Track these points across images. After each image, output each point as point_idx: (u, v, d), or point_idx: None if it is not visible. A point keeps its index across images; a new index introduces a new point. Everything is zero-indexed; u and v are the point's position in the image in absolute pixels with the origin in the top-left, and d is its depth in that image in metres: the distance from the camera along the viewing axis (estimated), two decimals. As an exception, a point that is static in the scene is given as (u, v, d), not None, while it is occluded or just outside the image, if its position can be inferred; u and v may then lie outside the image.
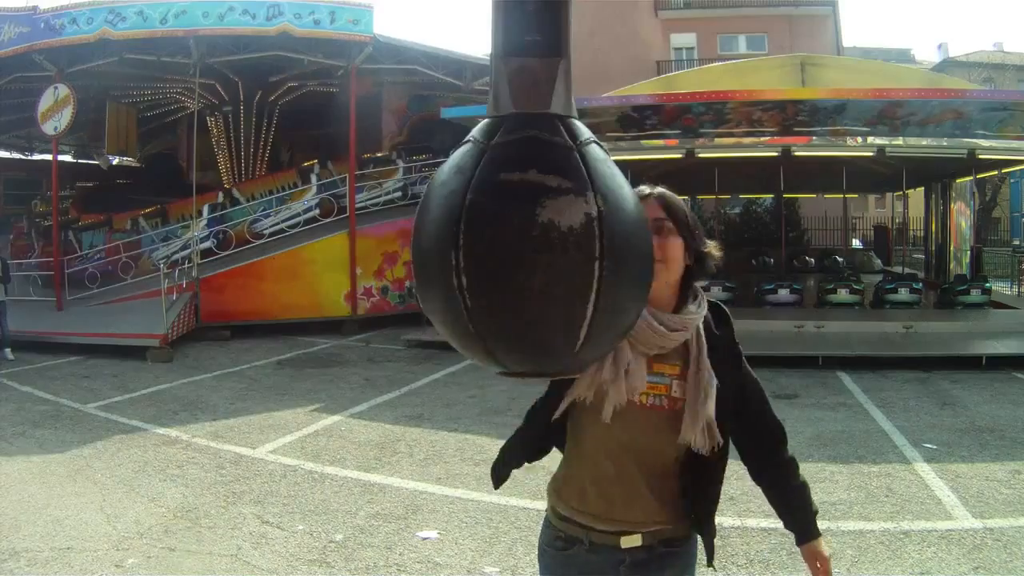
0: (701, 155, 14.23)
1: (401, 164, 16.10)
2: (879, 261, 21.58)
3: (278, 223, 14.45)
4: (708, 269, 1.84)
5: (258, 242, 13.99)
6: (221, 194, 15.73)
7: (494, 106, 1.13)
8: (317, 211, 14.67)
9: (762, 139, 13.00)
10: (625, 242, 1.07)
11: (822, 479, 5.37)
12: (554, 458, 1.95)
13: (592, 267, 1.03)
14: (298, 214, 14.62)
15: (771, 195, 24.49)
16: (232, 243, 14.05)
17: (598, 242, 1.03)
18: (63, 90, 13.56)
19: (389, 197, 15.39)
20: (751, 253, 21.50)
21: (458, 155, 1.12)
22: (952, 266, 17.31)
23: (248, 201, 15.44)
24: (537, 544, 1.95)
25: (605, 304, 1.06)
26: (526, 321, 1.05)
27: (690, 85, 14.06)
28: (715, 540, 1.92)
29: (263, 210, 14.88)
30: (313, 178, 15.37)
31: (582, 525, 1.81)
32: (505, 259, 1.02)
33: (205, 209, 14.60)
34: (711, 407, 1.74)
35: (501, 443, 1.98)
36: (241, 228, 14.43)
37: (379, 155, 16.97)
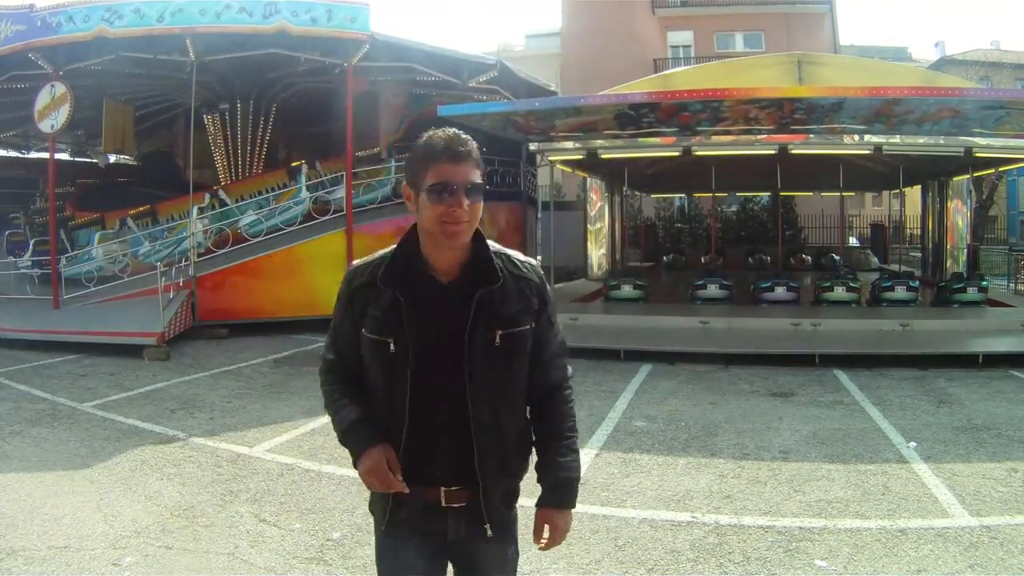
0: (698, 153, 14.24)
1: (393, 163, 16.10)
2: (876, 259, 21.68)
3: (265, 225, 14.40)
4: None
5: (255, 240, 13.98)
6: (208, 195, 15.69)
7: None
8: (301, 214, 14.64)
9: (759, 137, 13.00)
10: None
11: (819, 477, 5.38)
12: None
13: None
14: (295, 215, 14.59)
15: (768, 193, 24.56)
16: (229, 241, 14.04)
17: None
18: (60, 88, 13.51)
19: (376, 195, 15.37)
20: (748, 251, 21.60)
21: None
22: (949, 264, 17.35)
23: (237, 202, 15.40)
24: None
25: None
26: None
27: (687, 83, 14.07)
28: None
29: (251, 212, 14.84)
30: (301, 178, 15.33)
31: None
32: None
33: (194, 212, 14.56)
34: None
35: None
36: (234, 228, 14.41)
37: (365, 153, 16.97)
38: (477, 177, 1.89)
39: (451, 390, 1.90)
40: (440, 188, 1.84)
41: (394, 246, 1.99)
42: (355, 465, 1.97)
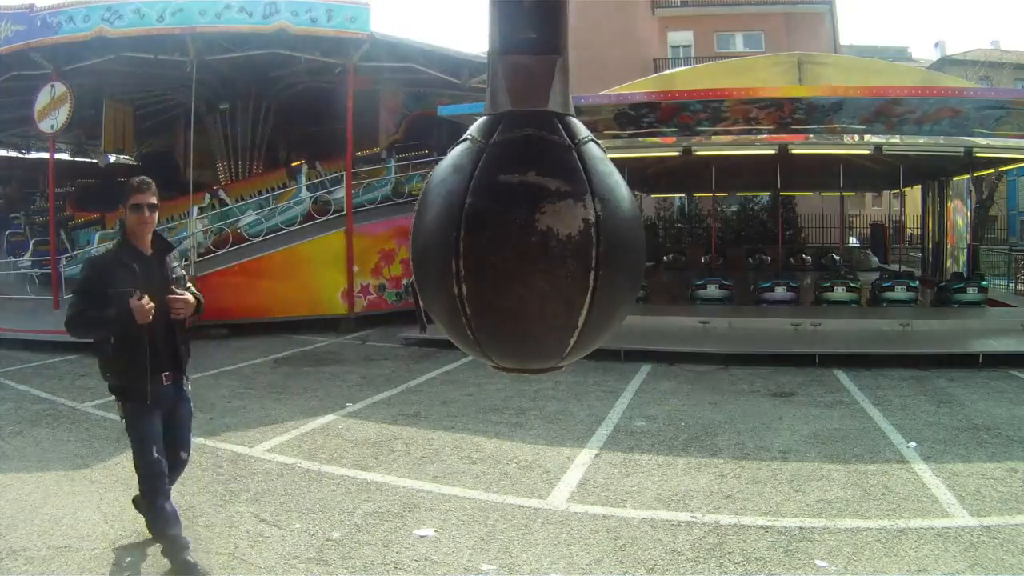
0: (698, 153, 14.23)
1: (393, 163, 16.09)
2: (876, 259, 21.64)
3: (265, 225, 14.41)
4: None
5: (255, 240, 13.98)
6: (208, 195, 15.67)
7: (491, 104, 1.12)
8: (301, 214, 14.66)
9: (759, 137, 13.00)
10: (620, 248, 1.07)
11: (819, 477, 5.38)
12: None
13: (588, 278, 1.03)
14: (295, 215, 14.60)
15: (768, 193, 24.52)
16: (229, 241, 14.04)
17: (594, 250, 1.03)
18: (60, 88, 13.52)
19: (376, 195, 15.37)
20: (748, 251, 21.57)
21: (456, 153, 1.10)
22: (949, 264, 17.34)
23: (237, 202, 15.40)
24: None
25: (597, 312, 1.07)
26: (523, 332, 1.07)
27: (687, 83, 14.07)
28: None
29: (251, 211, 14.86)
30: (301, 178, 15.33)
31: None
32: (505, 270, 1.02)
33: (194, 212, 14.55)
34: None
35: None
36: (235, 228, 14.42)
37: (365, 153, 16.96)
38: (154, 200, 3.79)
39: (163, 312, 3.71)
40: (134, 207, 3.75)
41: (117, 240, 3.92)
42: (116, 317, 3.61)
